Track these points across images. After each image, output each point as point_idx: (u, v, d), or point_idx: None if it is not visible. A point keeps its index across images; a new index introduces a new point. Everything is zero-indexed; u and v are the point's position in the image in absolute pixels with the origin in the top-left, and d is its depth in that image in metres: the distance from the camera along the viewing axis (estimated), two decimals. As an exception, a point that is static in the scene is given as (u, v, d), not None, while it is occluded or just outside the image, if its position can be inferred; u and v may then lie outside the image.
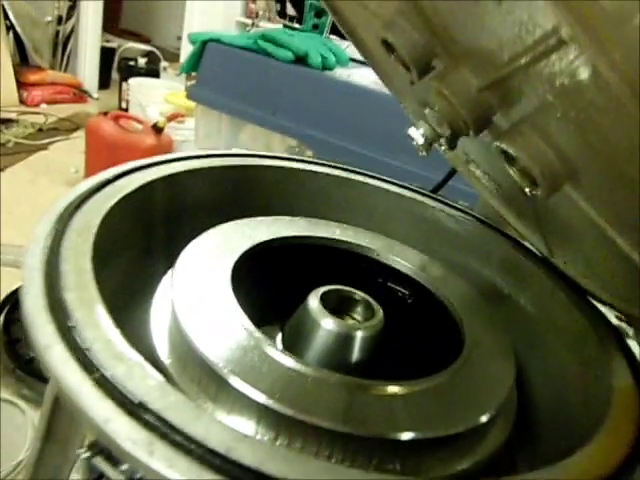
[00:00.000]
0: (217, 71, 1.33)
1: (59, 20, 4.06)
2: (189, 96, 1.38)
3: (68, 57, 4.09)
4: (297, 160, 0.63)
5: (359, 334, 0.43)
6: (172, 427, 0.25)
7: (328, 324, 0.43)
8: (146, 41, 4.57)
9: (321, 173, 0.62)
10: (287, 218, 0.55)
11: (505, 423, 0.42)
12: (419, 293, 0.53)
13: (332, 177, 0.63)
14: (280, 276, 0.52)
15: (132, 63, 3.73)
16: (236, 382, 0.34)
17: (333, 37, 1.65)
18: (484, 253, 0.59)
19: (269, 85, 1.28)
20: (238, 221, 0.52)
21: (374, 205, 0.64)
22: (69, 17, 4.06)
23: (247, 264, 0.47)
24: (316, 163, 0.64)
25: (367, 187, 0.63)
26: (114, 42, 4.32)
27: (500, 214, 0.55)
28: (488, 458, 0.39)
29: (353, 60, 1.55)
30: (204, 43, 1.32)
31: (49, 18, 3.94)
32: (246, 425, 0.34)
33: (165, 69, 3.58)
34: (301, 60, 1.30)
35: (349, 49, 1.50)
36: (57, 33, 4.09)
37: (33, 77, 3.64)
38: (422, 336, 0.52)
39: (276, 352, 0.37)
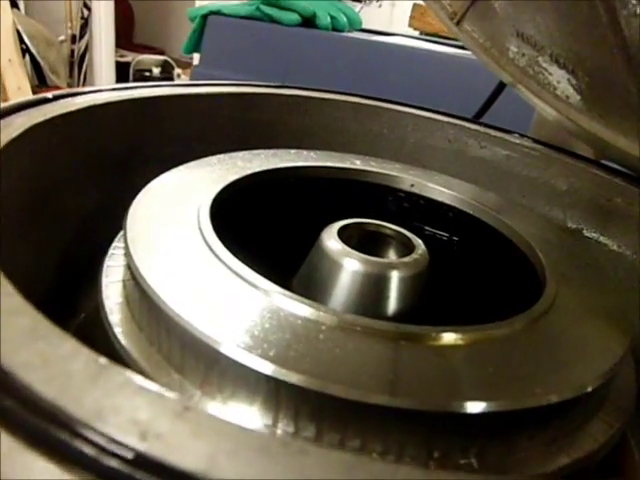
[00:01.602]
0: (221, 46, 1.22)
1: (73, 39, 4.08)
2: (193, 78, 1.28)
3: (85, 74, 4.10)
4: (303, 88, 0.51)
5: (395, 275, 0.30)
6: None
7: (352, 264, 0.31)
8: (160, 53, 4.56)
9: (332, 100, 0.50)
10: (293, 150, 0.43)
11: (626, 393, 0.28)
12: (474, 231, 0.39)
13: (347, 105, 0.50)
14: (282, 218, 0.40)
15: (147, 74, 3.73)
16: (236, 352, 0.21)
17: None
18: (553, 189, 0.45)
19: (277, 53, 1.17)
20: (229, 153, 0.40)
21: (402, 136, 0.51)
22: (82, 35, 4.08)
23: (236, 201, 0.35)
24: (326, 91, 0.51)
25: (391, 114, 0.51)
26: (129, 57, 4.32)
27: (575, 124, 0.41)
28: (604, 446, 0.26)
29: (365, 30, 1.43)
30: (204, 18, 1.22)
31: (62, 37, 3.96)
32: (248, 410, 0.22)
33: (179, 76, 3.56)
34: (309, 23, 1.18)
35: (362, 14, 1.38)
36: (72, 52, 4.11)
37: (51, 97, 3.64)
38: (481, 284, 0.39)
39: (285, 298, 0.24)
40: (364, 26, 1.46)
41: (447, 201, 0.40)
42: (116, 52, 4.21)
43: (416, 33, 1.86)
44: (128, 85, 0.39)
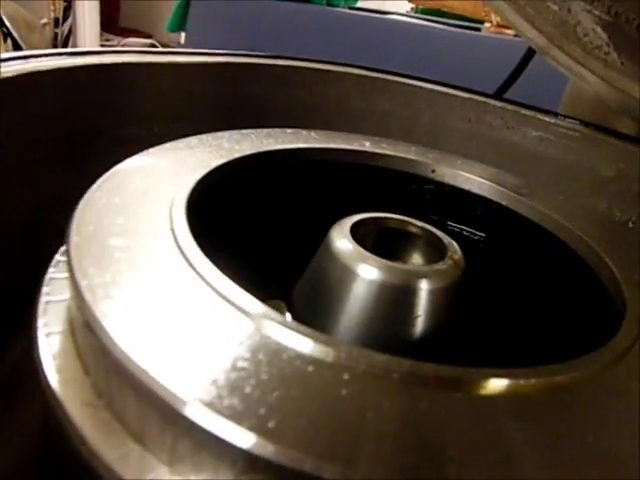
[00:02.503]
0: (208, 23, 1.14)
1: (56, 22, 3.93)
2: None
3: (68, 59, 3.98)
4: (300, 59, 0.43)
5: (426, 286, 0.24)
6: None
7: (370, 271, 0.24)
8: (147, 37, 4.43)
9: (335, 73, 0.43)
10: (289, 130, 0.36)
11: None
12: (514, 229, 0.33)
13: (352, 78, 0.43)
14: (280, 213, 0.33)
15: (133, 58, 3.60)
16: (216, 422, 0.14)
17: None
18: (596, 175, 0.38)
19: (269, 30, 1.09)
20: (213, 133, 0.33)
21: (415, 115, 0.44)
22: (65, 18, 3.94)
23: (221, 193, 0.28)
24: (327, 62, 0.44)
25: (403, 89, 0.44)
26: (114, 40, 4.19)
27: (626, 94, 0.35)
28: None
29: (361, 9, 1.35)
30: (189, -8, 1.14)
31: (45, 20, 3.82)
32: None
33: (166, 59, 3.45)
34: (302, -3, 1.11)
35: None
36: (55, 36, 3.97)
37: (33, 82, 3.52)
38: (527, 300, 0.32)
39: (285, 330, 0.17)
40: (359, 4, 1.38)
41: (478, 191, 0.33)
42: (101, 36, 4.07)
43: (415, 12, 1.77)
44: (84, 50, 0.32)
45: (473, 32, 1.13)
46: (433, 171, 0.35)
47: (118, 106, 0.34)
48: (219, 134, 0.33)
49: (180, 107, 0.37)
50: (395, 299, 0.24)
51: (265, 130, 0.35)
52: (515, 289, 0.31)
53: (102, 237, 0.20)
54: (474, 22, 1.44)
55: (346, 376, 0.16)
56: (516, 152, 0.42)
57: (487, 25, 1.44)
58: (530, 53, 0.47)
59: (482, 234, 0.35)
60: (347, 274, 0.24)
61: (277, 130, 0.36)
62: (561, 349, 0.23)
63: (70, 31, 3.99)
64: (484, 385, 0.17)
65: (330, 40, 1.04)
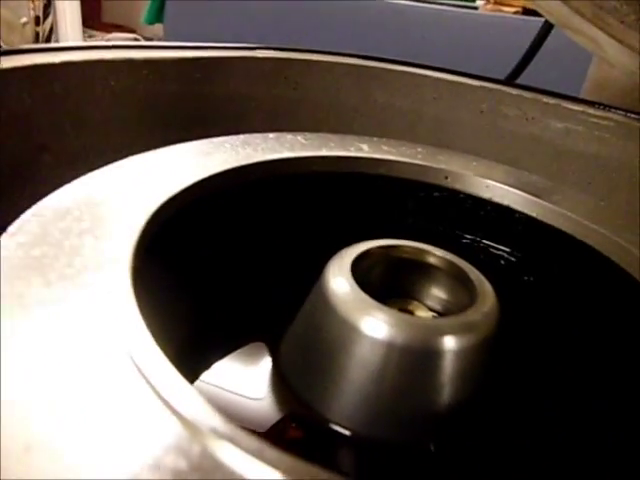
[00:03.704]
0: (186, 15, 1.07)
1: (36, 20, 3.84)
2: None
3: (51, 58, 3.90)
4: (283, 49, 0.37)
5: (449, 346, 0.18)
6: None
7: (375, 327, 0.18)
8: (131, 32, 4.34)
9: (324, 63, 0.37)
10: (271, 135, 0.30)
11: None
12: (555, 251, 0.27)
13: (344, 68, 0.37)
14: (260, 244, 0.27)
15: (117, 54, 3.53)
16: None
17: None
18: (637, 171, 0.33)
19: (252, 20, 1.02)
20: (175, 146, 0.27)
21: (418, 108, 0.38)
22: (46, 16, 3.84)
23: (185, 225, 0.22)
24: (314, 51, 0.38)
25: (404, 79, 0.38)
26: (97, 36, 4.10)
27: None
28: None
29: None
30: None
31: (25, 19, 3.73)
32: None
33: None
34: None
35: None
36: (37, 35, 3.88)
37: (15, 82, 3.44)
38: (582, 356, 0.26)
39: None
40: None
41: (508, 203, 0.27)
42: (84, 32, 3.98)
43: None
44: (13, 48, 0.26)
45: (471, 11, 1.06)
46: (446, 177, 0.29)
47: (61, 113, 0.28)
48: (182, 147, 0.27)
49: (139, 112, 0.31)
50: (410, 364, 0.18)
51: (242, 136, 0.29)
52: (561, 332, 0.25)
53: (10, 303, 0.14)
54: (468, 0, 1.37)
55: None
56: (536, 147, 0.36)
57: (481, 2, 1.36)
58: (546, 30, 0.41)
59: (508, 251, 0.29)
60: (346, 330, 0.19)
61: (257, 136, 0.30)
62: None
63: (52, 29, 3.91)
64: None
65: (316, 27, 0.98)
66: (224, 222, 0.25)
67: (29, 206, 0.21)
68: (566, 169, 0.35)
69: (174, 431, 0.12)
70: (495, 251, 0.28)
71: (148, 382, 0.13)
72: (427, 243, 0.23)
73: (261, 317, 0.26)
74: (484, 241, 0.30)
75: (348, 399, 0.18)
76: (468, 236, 0.30)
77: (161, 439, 0.12)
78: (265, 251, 0.27)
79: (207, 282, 0.24)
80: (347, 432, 0.18)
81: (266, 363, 0.23)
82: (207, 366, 0.23)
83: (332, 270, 0.20)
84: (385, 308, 0.18)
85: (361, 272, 0.20)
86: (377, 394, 0.18)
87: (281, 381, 0.21)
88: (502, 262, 0.28)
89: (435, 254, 0.21)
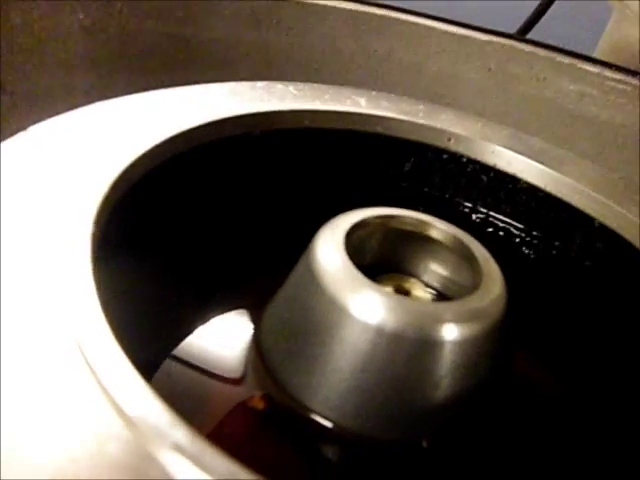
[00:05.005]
0: None
1: None
2: None
3: None
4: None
5: (451, 334, 0.16)
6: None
7: (367, 310, 0.16)
8: None
9: (319, 6, 0.33)
10: (260, 83, 0.27)
11: None
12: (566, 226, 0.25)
13: (340, 13, 0.34)
14: (242, 209, 0.25)
15: None
16: None
17: None
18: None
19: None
20: (150, 92, 0.24)
21: (420, 62, 0.35)
22: None
23: (158, 186, 0.20)
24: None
25: (405, 29, 0.34)
26: None
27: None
28: None
29: None
30: None
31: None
32: None
33: None
34: None
35: None
36: None
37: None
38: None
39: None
40: None
41: (514, 171, 0.25)
42: None
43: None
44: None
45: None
46: (449, 139, 0.27)
47: (21, 49, 0.25)
48: (158, 93, 0.24)
49: (111, 51, 0.28)
50: (404, 353, 0.16)
51: (228, 85, 0.27)
52: (569, 317, 0.23)
53: None
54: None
55: None
56: (546, 110, 0.34)
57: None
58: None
59: (510, 222, 0.27)
60: (335, 311, 0.17)
61: (244, 84, 0.27)
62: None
63: None
64: None
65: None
66: (202, 181, 0.23)
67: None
68: (576, 136, 0.32)
69: (109, 422, 0.10)
70: (495, 221, 0.26)
71: (93, 372, 0.11)
72: (424, 210, 0.21)
73: (245, 282, 0.24)
74: (483, 210, 0.28)
75: (333, 388, 0.17)
76: (467, 204, 0.28)
77: (95, 431, 0.10)
78: (248, 215, 0.24)
79: (184, 245, 0.22)
80: (330, 425, 0.17)
81: (247, 335, 0.21)
82: (184, 336, 0.21)
83: (323, 241, 0.18)
84: (380, 288, 0.16)
85: (355, 244, 0.18)
86: (366, 385, 0.16)
87: (260, 361, 0.19)
88: (501, 234, 0.26)
89: (437, 227, 0.19)
